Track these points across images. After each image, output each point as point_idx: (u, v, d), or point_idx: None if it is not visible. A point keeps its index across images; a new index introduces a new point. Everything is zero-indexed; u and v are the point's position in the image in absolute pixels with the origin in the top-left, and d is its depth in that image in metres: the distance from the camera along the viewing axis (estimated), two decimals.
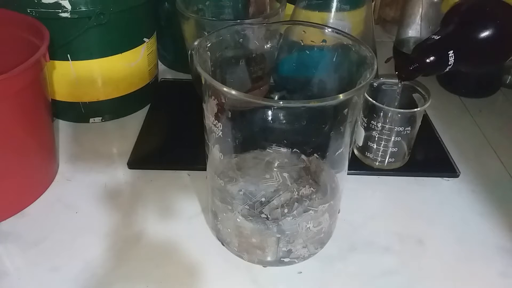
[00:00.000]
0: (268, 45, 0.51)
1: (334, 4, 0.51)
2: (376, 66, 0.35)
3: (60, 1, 0.49)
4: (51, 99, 0.51)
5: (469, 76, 0.65)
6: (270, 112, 0.37)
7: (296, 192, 0.41)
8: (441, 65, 0.45)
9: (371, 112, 0.49)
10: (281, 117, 0.37)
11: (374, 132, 0.49)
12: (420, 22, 0.71)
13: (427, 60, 0.44)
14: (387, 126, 0.48)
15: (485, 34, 0.44)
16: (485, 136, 0.59)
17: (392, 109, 0.47)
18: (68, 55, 0.53)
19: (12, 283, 0.39)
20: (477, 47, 0.44)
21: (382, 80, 0.51)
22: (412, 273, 0.41)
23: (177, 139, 0.56)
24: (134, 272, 0.40)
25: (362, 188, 0.50)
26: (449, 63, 0.44)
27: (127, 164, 0.52)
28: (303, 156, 0.43)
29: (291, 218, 0.39)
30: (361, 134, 0.51)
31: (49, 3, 0.49)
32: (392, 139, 0.49)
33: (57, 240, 0.43)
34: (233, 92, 0.31)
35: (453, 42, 0.44)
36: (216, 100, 0.34)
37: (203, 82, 0.35)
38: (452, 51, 0.44)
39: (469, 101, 0.66)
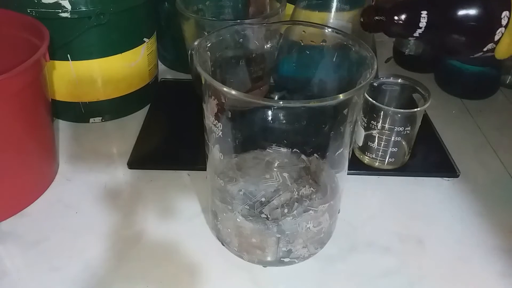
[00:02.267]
0: (268, 45, 0.51)
1: (334, 4, 0.51)
2: (376, 66, 0.35)
3: (60, 1, 0.49)
4: (51, 99, 0.51)
5: (468, 77, 0.65)
6: (270, 112, 0.37)
7: (296, 192, 0.41)
8: (410, 26, 0.40)
9: (371, 112, 0.49)
10: (281, 117, 0.37)
11: (374, 132, 0.49)
12: None
13: (395, 17, 0.39)
14: (387, 126, 0.48)
15: (466, 5, 0.38)
16: (485, 136, 0.59)
17: (392, 109, 0.47)
18: (68, 55, 0.53)
19: (12, 283, 0.39)
20: (454, 18, 0.38)
21: (382, 80, 0.51)
22: (412, 273, 0.41)
23: (177, 139, 0.56)
24: (134, 272, 0.40)
25: (362, 188, 0.50)
26: (420, 26, 0.39)
27: (127, 164, 0.52)
28: (303, 156, 0.43)
29: (291, 218, 0.39)
30: (361, 134, 0.51)
31: (49, 3, 0.49)
32: (392, 139, 0.49)
33: (57, 240, 0.43)
34: (233, 92, 0.31)
35: (430, 2, 0.39)
36: (216, 100, 0.34)
37: (203, 82, 0.35)
38: (426, 12, 0.39)
39: (469, 101, 0.66)
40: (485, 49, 0.39)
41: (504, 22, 0.37)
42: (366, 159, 0.52)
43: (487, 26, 0.38)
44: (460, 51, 0.41)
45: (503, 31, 0.38)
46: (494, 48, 0.39)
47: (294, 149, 0.43)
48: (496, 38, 0.38)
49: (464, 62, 0.64)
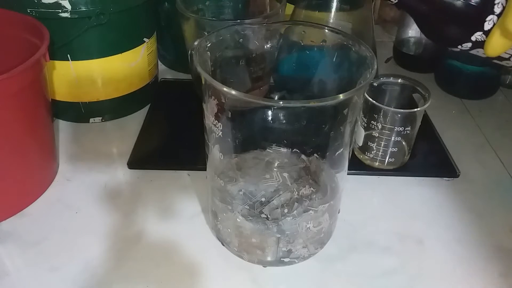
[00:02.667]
0: (268, 45, 0.51)
1: (334, 4, 0.51)
2: (376, 66, 0.35)
3: (60, 1, 0.49)
4: (51, 99, 0.51)
5: (468, 77, 0.65)
6: (270, 112, 0.37)
7: (296, 192, 0.41)
8: None
9: (371, 112, 0.49)
10: (281, 117, 0.37)
11: (374, 132, 0.49)
12: None
13: None
14: (387, 126, 0.48)
15: None
16: (485, 136, 0.59)
17: (392, 109, 0.47)
18: (68, 55, 0.53)
19: (12, 283, 0.39)
20: None
21: (382, 80, 0.51)
22: (412, 273, 0.41)
23: (177, 139, 0.56)
24: (134, 272, 0.40)
25: (362, 188, 0.50)
26: None
27: (127, 164, 0.52)
28: (303, 156, 0.43)
29: (291, 218, 0.39)
30: (361, 134, 0.51)
31: (49, 3, 0.49)
32: (392, 139, 0.49)
33: (57, 240, 0.43)
34: (233, 92, 0.31)
35: None
36: (216, 100, 0.34)
37: (203, 82, 0.35)
38: None
39: (469, 101, 0.66)
40: (473, 39, 0.35)
41: (497, 9, 0.33)
42: (366, 159, 0.52)
43: (475, 8, 0.34)
44: (444, 32, 0.37)
45: (494, 21, 0.33)
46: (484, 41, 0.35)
47: (294, 149, 0.43)
48: (486, 27, 0.34)
49: (464, 62, 0.64)
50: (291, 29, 0.50)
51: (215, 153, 0.39)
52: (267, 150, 0.43)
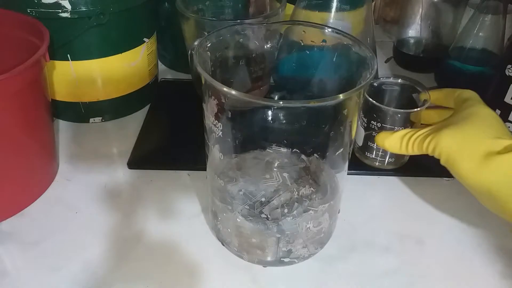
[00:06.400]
0: (268, 45, 0.51)
1: (334, 4, 0.51)
2: (376, 66, 0.35)
3: (60, 1, 0.49)
4: (51, 99, 0.51)
5: (468, 77, 0.65)
6: (270, 112, 0.37)
7: (296, 192, 0.42)
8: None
9: (371, 112, 0.49)
10: (281, 117, 0.37)
11: (374, 132, 0.49)
12: (420, 22, 0.71)
13: None
14: (387, 126, 0.48)
15: None
16: None
17: (392, 109, 0.47)
18: (68, 55, 0.53)
19: (12, 283, 0.39)
20: None
21: (382, 80, 0.51)
22: (412, 273, 0.41)
23: (177, 139, 0.56)
24: (134, 272, 0.40)
25: (362, 188, 0.50)
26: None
27: (127, 164, 0.52)
28: (303, 156, 0.43)
29: (291, 218, 0.39)
30: (361, 134, 0.51)
31: (49, 3, 0.49)
32: None
33: (57, 240, 0.43)
34: (233, 92, 0.31)
35: None
36: (216, 100, 0.34)
37: (203, 82, 0.35)
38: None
39: None
40: None
41: None
42: (366, 159, 0.52)
43: None
44: None
45: None
46: None
47: (294, 149, 0.43)
48: None
49: (464, 62, 0.64)
50: (291, 29, 0.50)
51: (215, 153, 0.39)
52: (267, 150, 0.43)
